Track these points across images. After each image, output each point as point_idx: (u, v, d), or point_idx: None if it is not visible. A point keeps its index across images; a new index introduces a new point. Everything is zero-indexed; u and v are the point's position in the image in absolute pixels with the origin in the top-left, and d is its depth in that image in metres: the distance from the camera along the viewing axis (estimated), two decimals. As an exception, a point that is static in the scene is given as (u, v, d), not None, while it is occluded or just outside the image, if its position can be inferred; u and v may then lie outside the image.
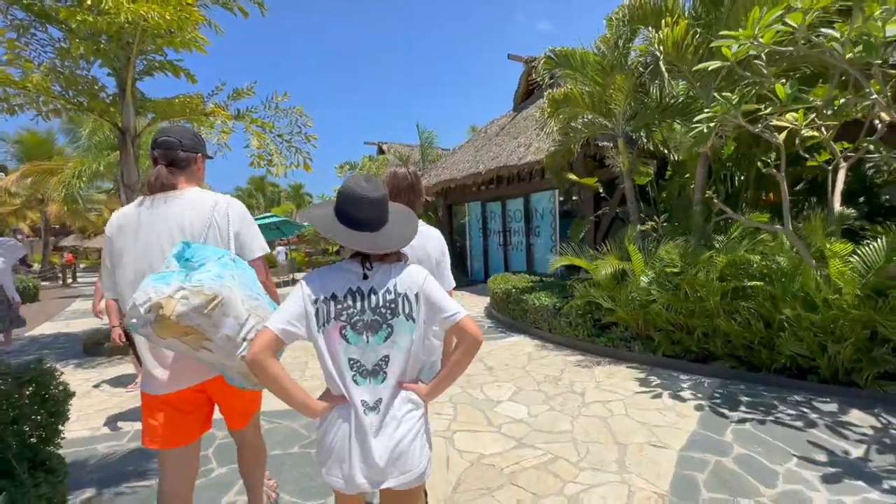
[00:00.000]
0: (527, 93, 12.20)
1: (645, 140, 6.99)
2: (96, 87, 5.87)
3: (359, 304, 1.26)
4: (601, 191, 7.61)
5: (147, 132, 6.58)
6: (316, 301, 1.25)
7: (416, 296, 1.29)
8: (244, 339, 1.38)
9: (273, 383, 1.19)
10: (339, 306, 1.25)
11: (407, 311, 1.28)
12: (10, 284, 6.13)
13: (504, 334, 6.11)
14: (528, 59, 11.46)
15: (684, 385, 3.91)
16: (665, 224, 5.65)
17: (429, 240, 1.89)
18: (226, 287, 1.36)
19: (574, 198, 8.82)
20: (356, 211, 1.29)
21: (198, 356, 1.42)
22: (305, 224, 14.31)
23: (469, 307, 8.44)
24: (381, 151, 17.82)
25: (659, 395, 3.70)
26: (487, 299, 9.13)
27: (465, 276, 12.50)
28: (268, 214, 17.66)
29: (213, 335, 1.35)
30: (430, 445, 1.37)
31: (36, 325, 8.76)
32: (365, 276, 1.28)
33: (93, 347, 5.89)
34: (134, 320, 1.32)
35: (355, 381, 1.25)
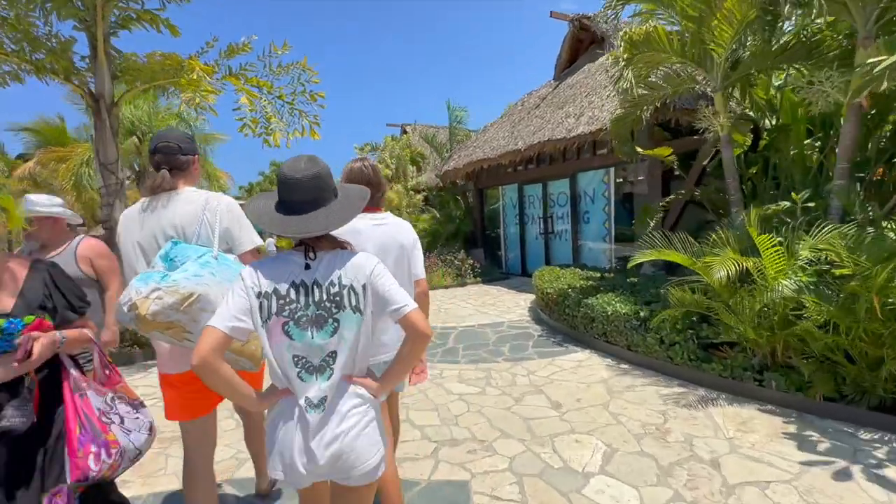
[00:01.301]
0: (571, 58, 10.61)
1: (738, 98, 5.47)
2: (55, 41, 4.75)
3: (302, 299, 1.21)
4: (675, 167, 6.10)
5: (125, 101, 5.47)
6: (259, 294, 1.19)
7: (364, 287, 1.24)
8: None
9: (222, 383, 1.14)
10: (282, 301, 1.20)
11: (353, 303, 1.22)
12: None
13: (562, 348, 4.79)
14: (574, 18, 9.88)
15: (876, 450, 2.52)
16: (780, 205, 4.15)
17: (399, 229, 1.91)
18: (202, 284, 1.48)
19: (640, 178, 7.31)
20: (288, 195, 1.24)
21: (183, 346, 1.56)
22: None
23: (507, 306, 7.13)
24: (404, 133, 16.56)
25: (846, 473, 2.33)
26: (529, 297, 7.81)
27: (498, 268, 11.17)
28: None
29: (192, 329, 1.49)
30: (384, 441, 1.31)
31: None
32: (307, 267, 1.23)
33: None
34: (120, 316, 1.51)
35: (301, 378, 1.21)
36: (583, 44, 10.49)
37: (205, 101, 4.79)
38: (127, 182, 16.55)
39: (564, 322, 5.24)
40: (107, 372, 1.70)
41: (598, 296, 4.83)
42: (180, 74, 4.85)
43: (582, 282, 5.73)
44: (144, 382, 4.32)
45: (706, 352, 3.62)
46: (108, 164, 5.24)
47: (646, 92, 5.21)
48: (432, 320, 6.52)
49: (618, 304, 4.38)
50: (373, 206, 1.89)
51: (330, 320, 1.21)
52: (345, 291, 1.22)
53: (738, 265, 3.28)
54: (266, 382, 1.52)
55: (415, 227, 12.08)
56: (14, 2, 4.21)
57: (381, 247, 1.82)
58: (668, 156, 5.78)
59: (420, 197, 11.18)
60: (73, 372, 1.56)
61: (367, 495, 1.31)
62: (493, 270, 10.68)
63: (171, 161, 1.76)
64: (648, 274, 6.54)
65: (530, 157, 9.22)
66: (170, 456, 2.85)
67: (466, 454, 2.74)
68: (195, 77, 4.60)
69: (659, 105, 5.52)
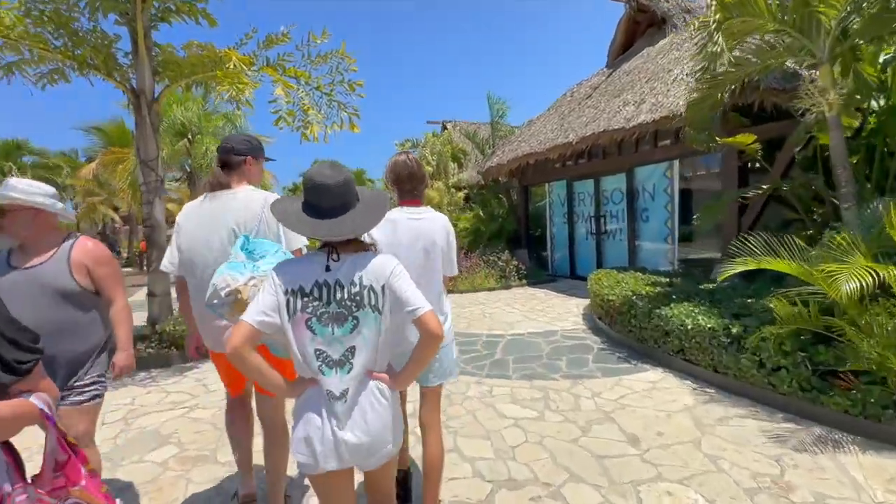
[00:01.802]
0: (627, 43, 9.81)
1: (838, 75, 4.62)
2: (98, 37, 4.66)
3: (325, 297, 1.28)
4: (758, 158, 5.28)
5: (176, 102, 5.34)
6: (287, 292, 1.27)
7: (383, 287, 1.30)
8: None
9: (253, 371, 1.23)
10: (306, 298, 1.27)
11: (373, 302, 1.29)
12: None
13: (629, 364, 4.18)
14: (631, -2, 9.09)
15: None
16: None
17: (434, 225, 1.92)
18: None
19: (713, 170, 6.51)
20: (318, 199, 1.30)
21: None
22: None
23: (558, 312, 6.53)
24: (444, 129, 16.17)
25: None
26: (581, 302, 7.17)
27: (544, 269, 10.53)
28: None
29: None
30: (401, 429, 1.40)
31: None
32: (328, 269, 1.29)
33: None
34: (215, 301, 1.59)
35: (322, 371, 1.28)
36: (640, 26, 9.66)
37: (241, 94, 4.55)
38: (177, 182, 17.08)
39: (630, 334, 4.61)
40: (58, 474, 1.12)
41: (671, 305, 4.18)
42: (217, 67, 4.63)
43: (648, 288, 5.07)
44: (177, 388, 4.12)
45: (823, 380, 2.93)
46: (148, 161, 5.14)
47: (730, 69, 4.48)
48: (476, 326, 6.07)
49: (700, 317, 3.72)
50: (414, 198, 1.96)
51: (350, 318, 1.28)
52: (365, 291, 1.28)
53: (875, 275, 2.59)
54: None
55: (455, 226, 11.66)
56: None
57: (413, 240, 1.86)
58: (751, 144, 5.00)
59: (461, 195, 10.74)
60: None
61: (385, 473, 1.43)
62: (539, 272, 10.06)
63: (222, 159, 1.97)
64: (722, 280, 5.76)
65: (581, 150, 8.55)
66: (191, 481, 2.54)
67: (529, 502, 2.25)
68: (231, 68, 4.36)
69: (743, 85, 4.76)
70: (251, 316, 1.23)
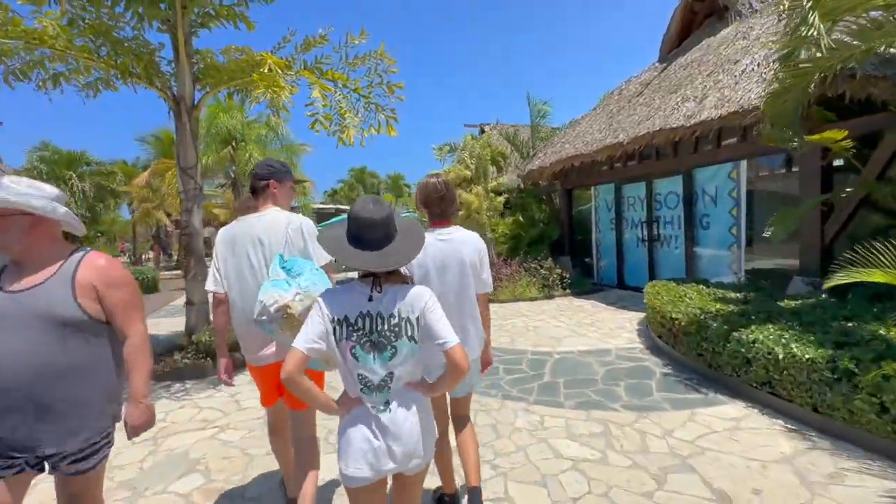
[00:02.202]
0: (682, 34, 9.11)
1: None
2: (140, 45, 4.64)
3: (367, 326, 1.37)
4: (848, 157, 4.58)
5: (204, 102, 5.29)
6: (333, 320, 1.36)
7: (418, 319, 1.39)
8: None
9: (304, 393, 1.34)
10: (351, 327, 1.36)
11: (409, 333, 1.38)
12: None
13: (701, 395, 3.65)
14: (688, -14, 8.42)
15: None
16: None
17: (464, 245, 1.98)
18: (318, 291, 1.66)
19: (793, 169, 5.81)
20: (362, 231, 1.39)
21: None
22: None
23: (609, 328, 5.99)
24: (482, 132, 15.80)
25: None
26: (634, 316, 6.59)
27: (589, 278, 9.92)
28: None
29: None
30: (434, 435, 1.53)
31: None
32: (371, 298, 1.37)
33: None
34: (264, 318, 1.70)
35: (363, 393, 1.39)
36: (697, 17, 8.95)
37: (278, 98, 4.39)
38: (222, 188, 17.58)
39: (699, 359, 4.06)
40: None
41: (752, 328, 3.61)
42: (255, 71, 4.50)
43: (718, 305, 4.49)
44: (210, 404, 3.97)
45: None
46: (187, 169, 5.10)
47: (820, 55, 3.87)
48: (520, 342, 5.65)
49: (793, 345, 3.15)
50: (444, 220, 2.03)
51: (389, 347, 1.38)
52: (403, 323, 1.38)
53: None
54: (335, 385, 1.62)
55: (494, 231, 11.27)
56: (99, 3, 4.10)
57: (443, 261, 1.94)
58: (841, 140, 4.34)
59: (501, 199, 10.33)
60: None
61: (422, 479, 1.54)
62: (584, 281, 9.46)
63: (251, 185, 2.09)
64: (803, 294, 5.06)
65: (632, 151, 7.95)
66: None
67: (602, 579, 1.84)
68: (267, 71, 4.20)
69: (834, 73, 4.12)
70: (302, 344, 1.32)
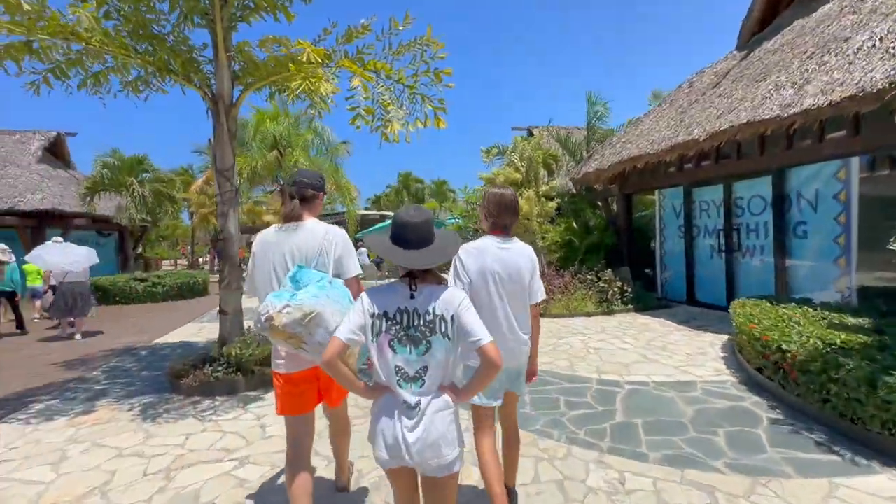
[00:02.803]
0: (766, 17, 8.02)
1: None
2: (178, 39, 4.42)
3: (405, 321, 1.47)
4: None
5: (242, 101, 5.02)
6: (373, 315, 1.48)
7: (452, 318, 1.47)
8: (322, 345, 1.71)
9: (342, 377, 1.48)
10: (389, 322, 1.47)
11: (443, 330, 1.47)
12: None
13: (838, 457, 2.80)
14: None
15: None
16: None
17: (521, 256, 2.06)
18: (320, 304, 1.79)
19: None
20: (405, 233, 1.53)
21: (298, 352, 1.87)
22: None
23: (686, 352, 5.10)
24: (530, 135, 15.07)
25: None
26: (715, 338, 5.66)
27: (650, 291, 8.92)
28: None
29: (308, 340, 1.79)
30: (461, 441, 1.54)
31: (177, 326, 8.47)
32: (412, 297, 1.48)
33: (176, 380, 4.52)
34: (258, 325, 1.82)
35: (399, 385, 1.48)
36: (785, -3, 7.85)
37: (317, 88, 3.99)
38: (270, 194, 17.87)
39: (827, 406, 3.16)
40: None
41: (908, 370, 2.72)
42: (293, 62, 4.14)
43: (844, 335, 3.56)
44: (234, 427, 3.58)
45: None
46: (223, 170, 4.83)
47: None
48: (581, 366, 4.91)
49: None
50: (505, 230, 2.09)
51: (424, 341, 1.47)
52: (437, 320, 1.47)
53: None
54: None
55: (544, 238, 10.52)
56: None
57: (501, 268, 2.00)
58: None
59: (553, 204, 9.57)
60: None
61: (450, 486, 1.54)
62: (646, 295, 8.49)
63: (301, 193, 2.13)
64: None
65: (707, 150, 6.99)
66: None
67: None
68: (304, 60, 3.81)
69: None
70: (343, 333, 1.45)
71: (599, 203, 11.18)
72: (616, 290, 8.00)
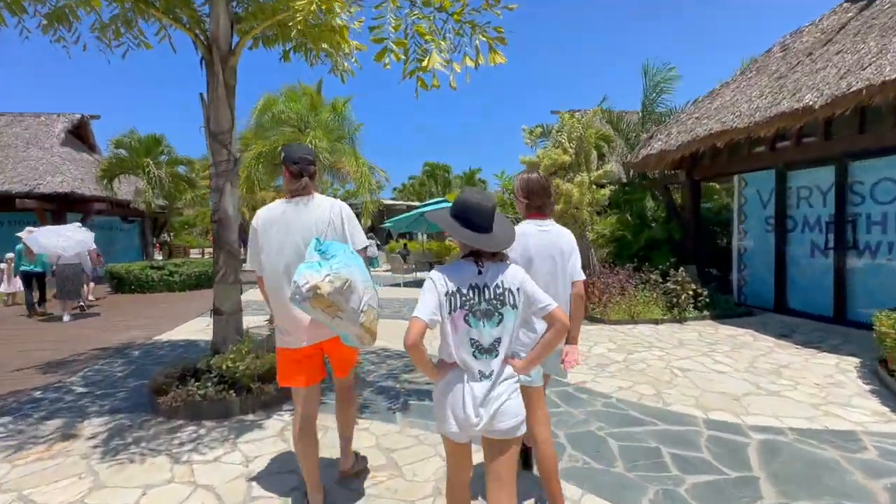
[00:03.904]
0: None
1: None
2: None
3: (476, 297, 1.55)
4: None
5: (242, 46, 3.99)
6: (446, 294, 1.54)
7: (518, 290, 1.59)
8: (361, 311, 1.92)
9: (420, 359, 1.50)
10: (463, 298, 1.54)
11: (512, 301, 1.57)
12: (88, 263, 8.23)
13: None
14: None
15: None
16: None
17: (560, 238, 2.16)
18: (352, 272, 1.89)
19: None
20: (475, 217, 1.60)
21: (332, 323, 1.92)
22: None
23: (809, 378, 3.82)
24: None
25: None
26: (843, 360, 4.31)
27: (727, 293, 7.55)
28: (440, 199, 15.43)
29: (344, 308, 1.87)
30: (522, 408, 1.61)
31: (188, 320, 7.70)
32: (479, 272, 1.58)
33: (156, 398, 3.59)
34: (297, 296, 1.81)
35: (474, 356, 1.55)
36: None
37: (337, 48, 2.93)
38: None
39: None
40: None
41: None
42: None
43: None
44: (209, 478, 2.58)
45: None
46: (218, 135, 3.85)
47: None
48: (674, 397, 3.65)
49: None
50: (542, 213, 2.20)
51: (496, 314, 1.56)
52: (506, 293, 1.57)
53: None
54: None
55: (592, 231, 9.23)
56: None
57: (544, 249, 2.09)
58: None
59: (605, 192, 8.26)
60: None
61: (514, 448, 1.61)
62: (722, 301, 7.13)
63: (310, 171, 2.17)
64: None
65: (811, 123, 5.57)
66: None
67: None
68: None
69: None
70: (424, 315, 1.49)
71: (658, 192, 9.78)
72: (690, 293, 6.67)
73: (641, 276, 7.29)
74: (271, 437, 3.09)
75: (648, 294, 6.94)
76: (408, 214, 14.47)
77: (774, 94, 6.11)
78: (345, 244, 2.05)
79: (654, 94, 9.96)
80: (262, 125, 13.05)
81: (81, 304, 8.38)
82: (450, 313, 1.52)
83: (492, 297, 1.54)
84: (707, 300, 6.78)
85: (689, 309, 6.70)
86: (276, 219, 2.11)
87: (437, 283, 1.54)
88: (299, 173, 2.11)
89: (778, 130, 6.02)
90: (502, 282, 1.56)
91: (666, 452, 2.79)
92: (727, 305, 7.02)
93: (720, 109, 7.21)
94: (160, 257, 20.06)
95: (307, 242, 2.01)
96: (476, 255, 1.58)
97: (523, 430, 1.58)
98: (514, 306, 1.56)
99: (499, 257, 1.62)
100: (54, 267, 7.87)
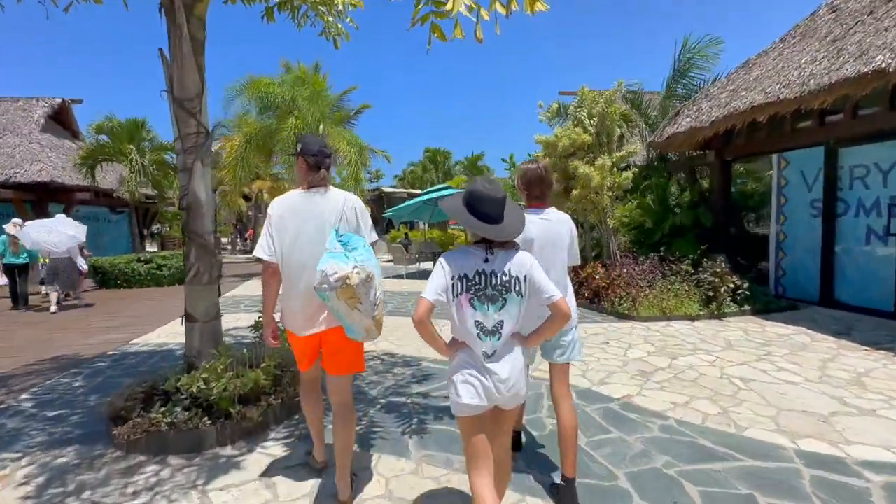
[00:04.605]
0: None
1: None
2: None
3: (483, 282, 1.62)
4: None
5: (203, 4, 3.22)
6: (453, 277, 1.62)
7: (525, 277, 1.65)
8: (375, 305, 1.96)
9: (429, 336, 1.63)
10: (469, 283, 1.62)
11: (517, 289, 1.64)
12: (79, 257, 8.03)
13: None
14: None
15: None
16: None
17: (561, 225, 2.23)
18: (372, 265, 1.94)
19: None
20: (485, 207, 1.64)
21: (348, 315, 1.92)
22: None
23: (889, 394, 3.16)
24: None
25: None
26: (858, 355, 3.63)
27: (762, 285, 6.88)
28: (442, 186, 14.68)
29: (364, 300, 1.90)
30: (526, 372, 1.77)
31: (170, 320, 7.02)
32: (487, 260, 1.64)
33: (114, 425, 2.93)
34: (325, 286, 1.83)
35: (479, 338, 1.63)
36: None
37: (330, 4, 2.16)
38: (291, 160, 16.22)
39: None
40: None
41: None
42: None
43: None
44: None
45: None
46: (185, 101, 3.11)
47: None
48: (745, 417, 2.85)
49: None
50: (542, 202, 2.26)
51: (500, 299, 1.63)
52: (512, 280, 1.63)
53: None
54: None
55: (613, 217, 8.52)
56: None
57: (544, 237, 2.15)
58: None
59: (628, 174, 7.53)
60: None
61: (517, 411, 2.04)
62: (760, 293, 6.45)
63: (327, 163, 2.20)
64: None
65: (883, 90, 4.83)
66: None
67: None
68: None
69: None
70: (430, 294, 1.59)
71: (682, 175, 9.05)
72: (729, 286, 6.00)
73: (671, 267, 6.62)
74: (251, 481, 2.43)
75: (679, 287, 6.27)
76: (409, 203, 13.73)
77: (832, 59, 5.35)
78: (361, 238, 2.08)
79: (686, 65, 9.15)
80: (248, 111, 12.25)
81: (77, 297, 8.41)
82: (455, 297, 1.62)
83: (498, 283, 1.62)
84: (747, 293, 6.11)
85: (727, 303, 6.03)
86: (292, 207, 2.13)
87: (445, 266, 1.63)
88: (317, 165, 2.14)
89: (836, 101, 5.28)
90: (509, 269, 1.64)
91: (758, 498, 2.14)
92: (767, 298, 6.35)
93: (761, 79, 6.45)
94: (154, 248, 19.33)
95: (321, 233, 2.06)
96: (487, 242, 1.65)
97: (525, 397, 1.79)
98: (520, 293, 1.64)
99: (509, 245, 1.69)
100: (47, 259, 7.86)
